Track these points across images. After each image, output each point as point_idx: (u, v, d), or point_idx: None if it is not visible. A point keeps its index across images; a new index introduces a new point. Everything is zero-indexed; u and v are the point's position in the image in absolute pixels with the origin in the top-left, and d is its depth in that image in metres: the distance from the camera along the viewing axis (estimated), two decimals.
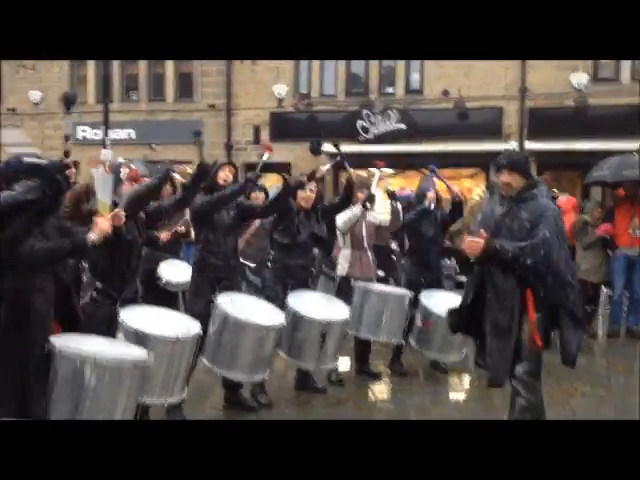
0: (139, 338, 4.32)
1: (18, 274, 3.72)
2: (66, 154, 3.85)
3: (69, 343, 3.82)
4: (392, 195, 7.06)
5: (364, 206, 6.60)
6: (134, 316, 4.48)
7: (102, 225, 3.99)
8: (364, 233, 6.77)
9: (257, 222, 7.15)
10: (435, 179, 7.14)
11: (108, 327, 4.40)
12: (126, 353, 4.03)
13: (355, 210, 6.62)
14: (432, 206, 6.86)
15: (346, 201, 6.37)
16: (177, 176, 5.66)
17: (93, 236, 3.93)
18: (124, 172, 4.59)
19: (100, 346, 3.96)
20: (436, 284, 7.11)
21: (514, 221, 4.17)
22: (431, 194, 6.89)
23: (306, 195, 6.12)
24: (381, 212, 7.06)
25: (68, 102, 4.10)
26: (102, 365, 3.76)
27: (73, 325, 4.18)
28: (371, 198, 6.64)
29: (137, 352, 4.08)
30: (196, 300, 5.45)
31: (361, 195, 6.72)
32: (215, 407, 5.86)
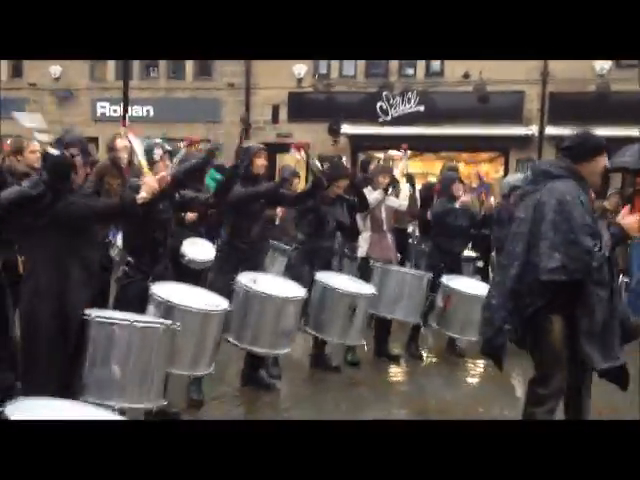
0: (169, 310, 4.42)
1: (58, 241, 3.78)
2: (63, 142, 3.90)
3: (102, 312, 3.99)
4: (410, 179, 7.12)
5: (385, 190, 6.68)
6: (165, 290, 4.58)
7: (151, 183, 4.06)
8: (384, 216, 6.88)
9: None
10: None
11: (139, 301, 4.47)
12: (156, 320, 4.19)
13: (376, 195, 6.67)
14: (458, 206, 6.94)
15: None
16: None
17: (143, 194, 3.99)
18: (158, 153, 4.62)
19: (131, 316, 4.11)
20: (457, 270, 7.15)
21: None
22: (465, 199, 6.97)
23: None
24: (401, 197, 7.12)
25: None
26: (135, 329, 3.92)
27: (102, 299, 4.27)
28: (394, 183, 6.71)
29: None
30: (218, 277, 5.51)
31: (383, 179, 6.74)
32: (230, 384, 5.91)
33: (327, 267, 6.25)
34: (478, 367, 7.13)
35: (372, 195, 6.66)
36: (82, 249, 3.91)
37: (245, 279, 5.26)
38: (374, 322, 6.92)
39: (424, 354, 7.22)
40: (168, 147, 4.60)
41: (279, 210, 7.45)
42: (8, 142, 5.89)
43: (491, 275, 8.75)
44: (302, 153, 6.35)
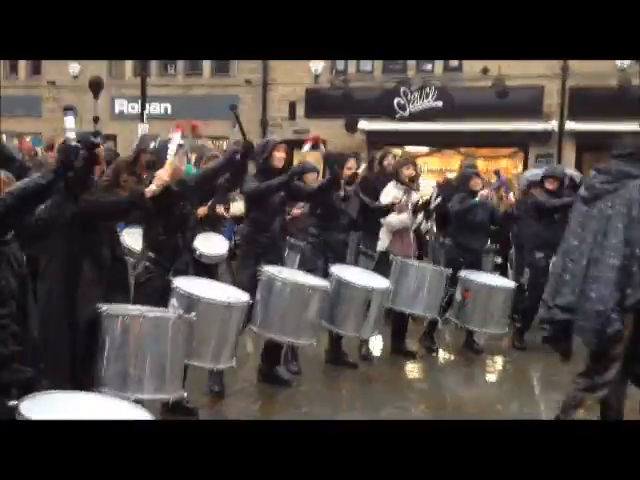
0: (192, 302, 4.44)
1: (69, 239, 3.82)
2: (95, 134, 3.94)
3: (115, 306, 4.02)
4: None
5: (410, 188, 6.63)
6: (187, 284, 4.61)
7: (161, 175, 4.09)
8: (408, 214, 6.71)
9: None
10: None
11: (160, 297, 4.49)
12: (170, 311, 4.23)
13: (402, 217, 6.59)
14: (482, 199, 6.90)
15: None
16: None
17: (153, 187, 4.03)
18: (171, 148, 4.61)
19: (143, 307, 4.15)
20: (476, 266, 7.11)
21: None
22: (485, 193, 6.94)
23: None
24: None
25: (97, 88, 4.20)
26: (147, 319, 3.97)
27: (121, 295, 4.29)
28: (416, 178, 6.72)
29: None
30: (241, 272, 5.58)
31: (407, 171, 6.69)
32: (247, 380, 5.91)
33: (341, 260, 6.23)
34: (496, 364, 7.08)
35: (398, 218, 6.57)
36: (93, 246, 3.94)
37: (269, 268, 5.30)
38: (391, 317, 6.86)
39: (440, 350, 7.16)
40: (181, 141, 4.58)
41: (295, 210, 7.39)
42: (28, 139, 5.99)
43: (510, 271, 8.69)
44: (321, 147, 6.35)
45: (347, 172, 6.18)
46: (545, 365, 6.96)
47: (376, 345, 6.96)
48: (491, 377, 6.83)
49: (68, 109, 3.70)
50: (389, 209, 6.47)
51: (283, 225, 5.89)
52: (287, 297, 5.24)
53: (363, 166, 6.70)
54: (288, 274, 5.44)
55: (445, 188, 8.02)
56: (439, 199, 7.27)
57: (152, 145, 4.75)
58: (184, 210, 4.68)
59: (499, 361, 7.12)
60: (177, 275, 4.65)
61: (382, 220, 6.68)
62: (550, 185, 7.27)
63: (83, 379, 3.81)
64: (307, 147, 6.13)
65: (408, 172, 6.68)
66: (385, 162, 7.67)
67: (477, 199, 6.87)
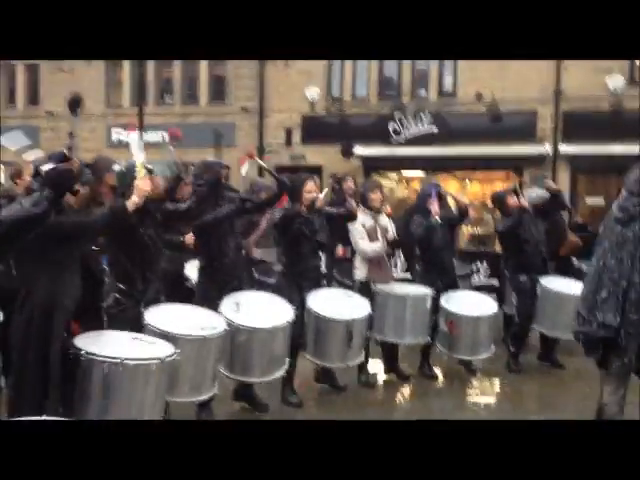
0: (166, 339, 4.32)
1: (47, 270, 3.78)
2: (69, 149, 3.92)
3: (93, 345, 3.87)
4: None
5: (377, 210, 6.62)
6: (159, 316, 4.51)
7: (142, 186, 4.03)
8: (379, 237, 6.62)
9: (264, 223, 6.93)
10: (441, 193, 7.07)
11: (132, 328, 4.38)
12: (151, 351, 4.06)
13: (375, 247, 6.49)
14: (438, 220, 6.67)
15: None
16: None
17: (134, 199, 3.97)
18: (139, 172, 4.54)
19: (123, 346, 4.00)
20: (452, 286, 7.02)
21: None
22: (435, 209, 6.66)
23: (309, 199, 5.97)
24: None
25: (74, 105, 4.18)
26: (129, 367, 3.81)
27: (95, 323, 4.22)
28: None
29: (163, 348, 4.12)
30: (202, 303, 5.27)
31: (375, 196, 6.61)
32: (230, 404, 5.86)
33: (316, 286, 6.05)
34: (492, 386, 7.06)
35: (372, 247, 6.49)
36: (71, 274, 3.89)
37: (228, 306, 5.16)
38: (382, 343, 6.85)
39: (438, 372, 7.14)
40: (149, 166, 4.45)
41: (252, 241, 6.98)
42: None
43: (510, 296, 8.64)
44: (253, 159, 6.35)
45: (307, 196, 5.93)
46: (541, 387, 6.96)
47: (372, 368, 6.95)
48: (487, 400, 6.81)
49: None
50: (353, 215, 6.33)
51: (239, 248, 5.74)
52: (247, 341, 5.11)
53: (325, 190, 6.43)
54: (250, 304, 5.28)
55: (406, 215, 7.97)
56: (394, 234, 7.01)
57: (117, 168, 4.59)
58: (146, 237, 4.59)
59: (495, 383, 7.10)
60: (148, 305, 4.58)
61: (355, 248, 6.60)
62: (510, 200, 7.20)
63: (56, 413, 3.69)
64: (244, 169, 6.05)
65: (375, 196, 6.63)
66: (345, 185, 7.68)
67: (432, 220, 6.66)
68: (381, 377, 6.96)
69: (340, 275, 7.16)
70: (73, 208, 3.96)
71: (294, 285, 5.92)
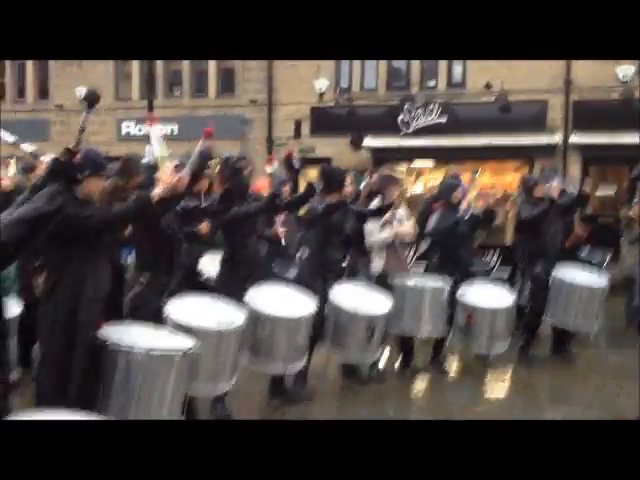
0: (185, 331, 4.39)
1: (74, 258, 3.83)
2: (77, 144, 3.94)
3: (118, 336, 3.94)
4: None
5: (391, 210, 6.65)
6: (180, 307, 4.58)
7: (166, 178, 4.03)
8: (396, 231, 6.74)
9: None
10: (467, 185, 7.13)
11: (155, 319, 4.48)
12: (174, 343, 4.14)
13: (385, 235, 6.64)
14: (466, 216, 6.80)
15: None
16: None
17: (158, 191, 3.97)
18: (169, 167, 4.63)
19: (147, 336, 4.08)
20: (468, 277, 7.02)
21: None
22: (465, 205, 6.82)
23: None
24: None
25: (92, 101, 4.17)
26: (153, 357, 3.89)
27: (117, 313, 4.27)
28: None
29: (184, 341, 4.18)
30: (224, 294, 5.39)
31: (393, 191, 6.69)
32: (256, 398, 5.92)
33: (339, 278, 6.19)
34: (504, 378, 7.08)
35: (381, 236, 6.61)
36: (97, 264, 3.94)
37: (253, 297, 5.22)
38: (397, 338, 6.87)
39: (452, 363, 7.15)
40: (176, 162, 4.55)
41: (280, 230, 7.20)
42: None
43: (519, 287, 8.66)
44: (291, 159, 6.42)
45: (347, 189, 6.21)
46: (553, 378, 6.97)
47: (386, 361, 6.97)
48: (499, 392, 6.83)
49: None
50: (382, 210, 6.50)
51: (261, 240, 5.87)
52: (271, 331, 5.17)
53: (364, 183, 6.72)
54: (272, 296, 5.34)
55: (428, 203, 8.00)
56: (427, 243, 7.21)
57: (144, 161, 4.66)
58: (170, 231, 4.66)
59: (507, 375, 7.12)
60: (171, 296, 4.64)
61: (366, 242, 6.67)
62: (541, 189, 7.22)
63: (78, 401, 3.76)
64: (273, 167, 6.17)
65: (392, 191, 6.69)
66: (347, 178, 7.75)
67: (459, 216, 6.79)
68: (394, 370, 6.97)
69: (364, 267, 7.19)
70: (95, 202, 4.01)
71: (318, 275, 6.01)
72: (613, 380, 6.49)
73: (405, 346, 6.95)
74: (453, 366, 7.24)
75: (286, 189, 6.34)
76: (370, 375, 6.64)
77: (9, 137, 3.51)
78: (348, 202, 6.24)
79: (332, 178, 6.11)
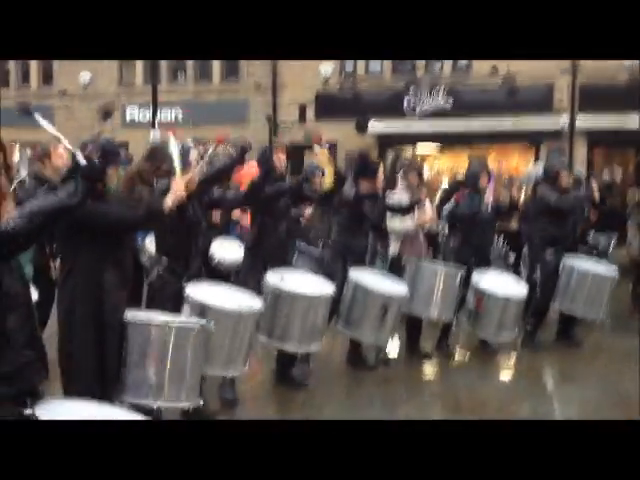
0: (204, 311, 4.46)
1: (93, 247, 3.85)
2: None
3: (137, 313, 4.10)
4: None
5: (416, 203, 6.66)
6: (199, 291, 4.64)
7: (177, 188, 4.08)
8: (415, 215, 6.77)
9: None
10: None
11: (174, 303, 4.52)
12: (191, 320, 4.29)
13: (407, 224, 6.72)
14: (490, 205, 6.88)
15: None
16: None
17: (169, 201, 4.02)
18: (194, 155, 4.67)
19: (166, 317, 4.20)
20: (486, 264, 7.03)
21: None
22: (491, 194, 6.88)
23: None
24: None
25: (107, 114, 4.21)
26: (172, 328, 4.00)
27: (136, 301, 4.33)
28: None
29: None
30: (247, 278, 5.54)
31: (413, 179, 6.75)
32: (263, 384, 5.95)
33: (360, 264, 6.23)
34: (510, 364, 7.09)
35: (402, 224, 6.69)
36: (116, 252, 3.96)
37: (273, 278, 5.30)
38: (406, 320, 6.89)
39: (457, 350, 7.17)
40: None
41: (306, 212, 7.38)
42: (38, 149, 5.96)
43: (523, 270, 8.67)
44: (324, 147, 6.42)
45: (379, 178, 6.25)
46: (558, 363, 6.98)
47: (392, 346, 6.98)
48: (505, 377, 6.84)
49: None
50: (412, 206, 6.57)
51: (289, 228, 5.88)
52: (290, 307, 5.23)
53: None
54: (294, 279, 5.41)
55: (453, 187, 7.99)
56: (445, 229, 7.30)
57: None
58: (194, 217, 4.70)
59: (513, 361, 7.12)
60: (190, 280, 4.69)
61: (387, 227, 6.72)
62: (565, 180, 7.19)
63: (110, 386, 3.86)
64: (316, 149, 6.20)
65: (413, 177, 6.82)
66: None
67: (483, 208, 6.83)
68: (401, 354, 6.99)
69: (383, 250, 7.21)
70: (116, 192, 4.03)
71: (340, 257, 6.14)
72: (619, 364, 6.49)
73: (412, 329, 6.95)
74: (459, 350, 7.24)
75: (318, 180, 6.32)
76: (376, 358, 6.66)
77: (46, 124, 3.49)
78: (379, 196, 6.35)
79: (367, 166, 6.20)
